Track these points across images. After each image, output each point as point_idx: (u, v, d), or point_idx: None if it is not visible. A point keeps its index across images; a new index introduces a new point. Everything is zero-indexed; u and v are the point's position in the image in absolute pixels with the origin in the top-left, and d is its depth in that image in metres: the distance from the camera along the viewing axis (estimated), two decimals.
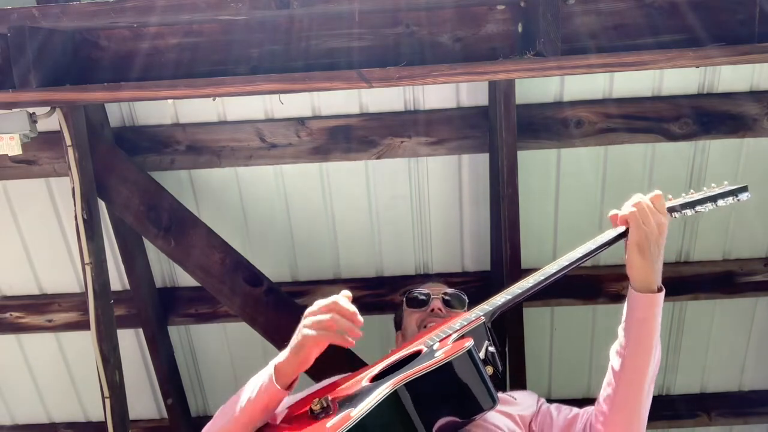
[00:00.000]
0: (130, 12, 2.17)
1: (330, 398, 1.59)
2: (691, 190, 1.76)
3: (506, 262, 2.74)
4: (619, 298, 3.03)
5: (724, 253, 3.02)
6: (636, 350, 1.66)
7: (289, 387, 1.62)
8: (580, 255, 1.69)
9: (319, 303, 1.61)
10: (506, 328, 2.85)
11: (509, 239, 2.70)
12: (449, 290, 2.18)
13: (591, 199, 2.90)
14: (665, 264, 1.69)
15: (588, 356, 3.23)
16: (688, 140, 2.74)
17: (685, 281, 3.00)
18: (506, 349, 2.88)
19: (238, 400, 1.64)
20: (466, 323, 1.64)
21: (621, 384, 1.67)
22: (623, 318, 1.70)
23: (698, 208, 1.72)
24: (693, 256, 3.00)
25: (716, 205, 1.72)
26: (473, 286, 2.99)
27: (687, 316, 3.12)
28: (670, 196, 1.75)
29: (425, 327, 2.04)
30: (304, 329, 1.59)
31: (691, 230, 2.96)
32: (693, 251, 3.01)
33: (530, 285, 1.67)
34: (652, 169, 2.83)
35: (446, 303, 2.13)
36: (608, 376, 1.71)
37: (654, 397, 1.72)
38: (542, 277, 1.68)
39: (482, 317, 1.63)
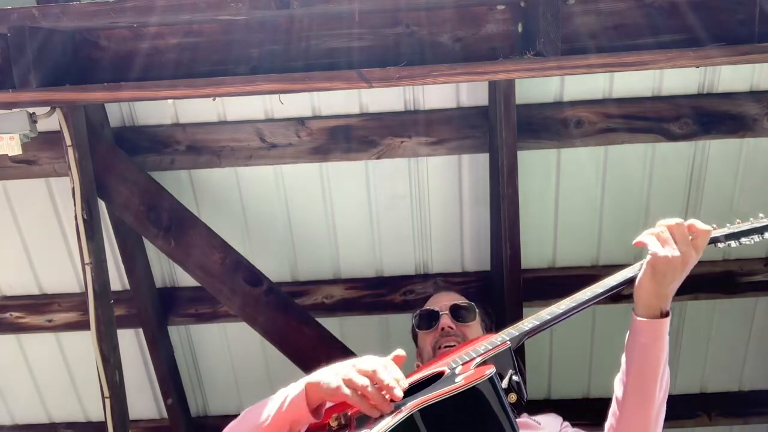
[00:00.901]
0: (130, 12, 2.17)
1: (349, 415, 1.55)
2: (738, 220, 1.69)
3: (506, 262, 2.73)
4: (618, 298, 3.01)
5: (724, 253, 3.01)
6: (640, 376, 1.59)
7: (316, 410, 1.55)
8: (614, 284, 1.62)
9: (365, 364, 1.48)
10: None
11: (509, 239, 2.70)
12: (458, 301, 2.11)
13: (591, 199, 2.90)
14: None
15: (588, 356, 3.23)
16: (688, 140, 2.73)
17: (685, 281, 2.99)
18: None
19: (265, 413, 1.55)
20: (491, 347, 1.57)
21: (624, 414, 1.60)
22: (625, 343, 1.63)
23: (743, 240, 1.65)
24: None
25: (763, 238, 1.66)
26: (473, 286, 2.99)
27: (687, 316, 3.12)
28: (714, 225, 1.68)
29: (440, 348, 1.99)
30: (341, 380, 1.47)
31: None
32: None
33: (560, 312, 1.60)
34: (652, 169, 2.83)
35: (456, 317, 2.06)
36: (613, 406, 1.65)
37: None
38: (573, 304, 1.60)
39: (508, 342, 1.56)
